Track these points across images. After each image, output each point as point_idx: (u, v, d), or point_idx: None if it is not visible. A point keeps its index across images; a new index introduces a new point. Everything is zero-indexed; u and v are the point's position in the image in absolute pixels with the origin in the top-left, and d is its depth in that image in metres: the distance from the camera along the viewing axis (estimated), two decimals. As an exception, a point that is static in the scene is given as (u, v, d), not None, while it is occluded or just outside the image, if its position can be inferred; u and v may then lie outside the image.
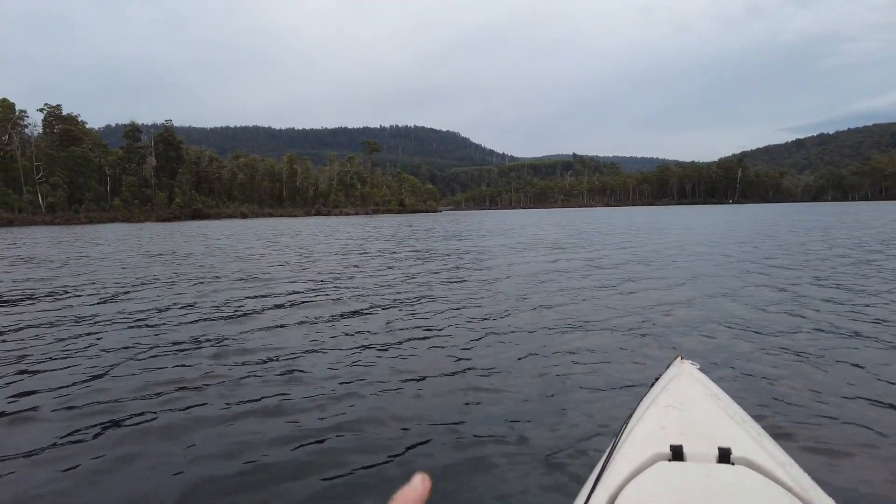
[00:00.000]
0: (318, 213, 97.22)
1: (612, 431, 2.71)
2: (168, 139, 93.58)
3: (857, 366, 4.00)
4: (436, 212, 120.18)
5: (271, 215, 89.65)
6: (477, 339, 5.13)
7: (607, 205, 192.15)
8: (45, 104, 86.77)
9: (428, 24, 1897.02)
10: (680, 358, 2.00)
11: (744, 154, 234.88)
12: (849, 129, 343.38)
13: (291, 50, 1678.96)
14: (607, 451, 1.46)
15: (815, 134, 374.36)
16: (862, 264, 10.16)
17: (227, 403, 3.55)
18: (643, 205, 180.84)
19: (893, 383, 3.62)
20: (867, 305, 6.29)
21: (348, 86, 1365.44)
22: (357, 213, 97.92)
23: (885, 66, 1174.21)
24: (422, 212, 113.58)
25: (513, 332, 5.36)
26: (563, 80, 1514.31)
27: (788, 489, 1.15)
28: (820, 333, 4.95)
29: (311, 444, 2.98)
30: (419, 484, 0.40)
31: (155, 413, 3.43)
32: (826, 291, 7.24)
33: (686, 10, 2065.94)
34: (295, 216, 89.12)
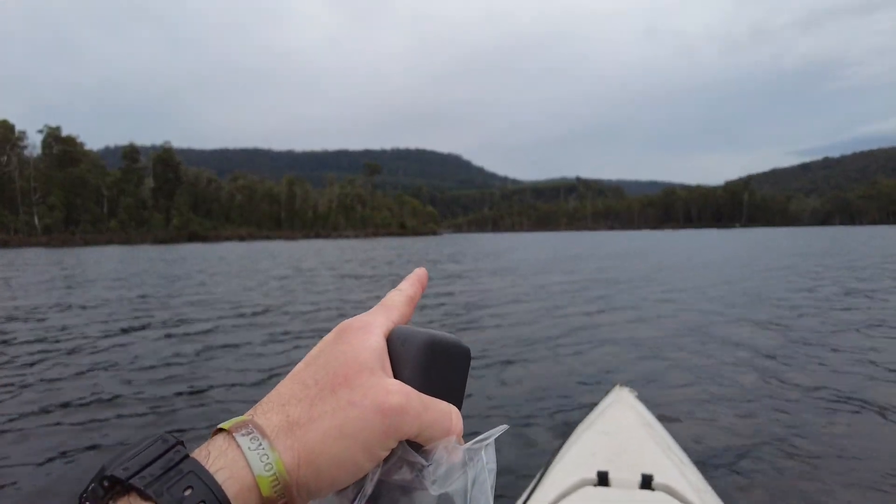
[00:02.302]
0: (318, 236, 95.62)
1: (546, 455, 2.90)
2: (166, 160, 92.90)
3: (793, 400, 3.90)
4: (435, 234, 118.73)
5: (269, 238, 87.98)
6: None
7: (611, 228, 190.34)
8: (45, 125, 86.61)
9: (432, 46, 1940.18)
10: (619, 385, 2.08)
11: (750, 177, 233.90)
12: (854, 152, 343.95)
13: (293, 71, 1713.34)
14: (538, 474, 1.51)
15: (820, 157, 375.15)
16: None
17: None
18: (648, 228, 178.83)
19: (824, 418, 3.56)
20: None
21: (350, 108, 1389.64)
22: (357, 236, 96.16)
23: (889, 89, 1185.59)
24: (422, 234, 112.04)
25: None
26: (567, 102, 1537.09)
27: None
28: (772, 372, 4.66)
29: None
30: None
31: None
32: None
33: (690, 33, 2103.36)
34: (293, 239, 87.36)
